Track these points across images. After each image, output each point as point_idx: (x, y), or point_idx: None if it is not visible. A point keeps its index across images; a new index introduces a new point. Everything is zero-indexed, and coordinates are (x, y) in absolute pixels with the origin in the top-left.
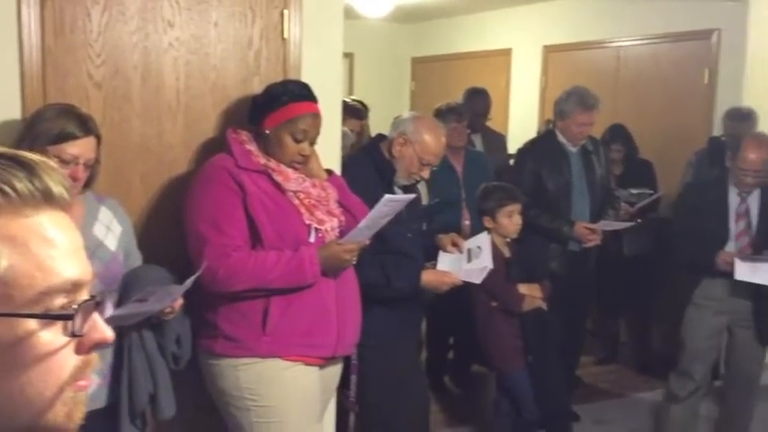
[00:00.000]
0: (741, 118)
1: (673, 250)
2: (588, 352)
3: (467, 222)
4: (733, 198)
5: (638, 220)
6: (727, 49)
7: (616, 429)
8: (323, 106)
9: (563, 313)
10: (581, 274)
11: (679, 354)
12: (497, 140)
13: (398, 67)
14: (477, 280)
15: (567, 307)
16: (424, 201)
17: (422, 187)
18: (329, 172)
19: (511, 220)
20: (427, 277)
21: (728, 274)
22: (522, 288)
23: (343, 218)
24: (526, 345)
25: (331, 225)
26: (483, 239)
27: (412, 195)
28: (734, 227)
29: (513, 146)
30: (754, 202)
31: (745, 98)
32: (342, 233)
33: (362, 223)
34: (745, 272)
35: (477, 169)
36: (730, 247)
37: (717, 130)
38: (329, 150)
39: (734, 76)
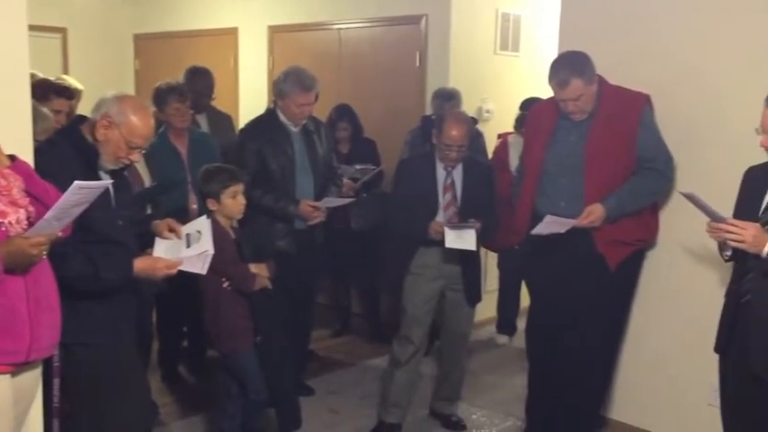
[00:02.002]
0: (447, 98)
1: (390, 223)
2: (323, 325)
3: (194, 206)
4: (440, 172)
5: (364, 195)
6: (435, 33)
7: (349, 397)
8: (4, 85)
9: (293, 290)
10: (309, 251)
11: (400, 320)
12: (223, 121)
13: (120, 45)
14: (202, 270)
15: (297, 284)
16: (147, 184)
17: (143, 171)
18: (12, 158)
19: (235, 200)
20: (139, 265)
21: (440, 243)
22: (252, 267)
23: (32, 208)
24: (255, 324)
25: (16, 217)
26: (202, 223)
27: (106, 182)
28: (442, 199)
29: None
30: (458, 175)
31: (451, 79)
32: (32, 225)
33: (50, 213)
34: (454, 239)
35: (202, 151)
36: (440, 217)
37: (428, 110)
38: (16, 134)
39: (441, 58)
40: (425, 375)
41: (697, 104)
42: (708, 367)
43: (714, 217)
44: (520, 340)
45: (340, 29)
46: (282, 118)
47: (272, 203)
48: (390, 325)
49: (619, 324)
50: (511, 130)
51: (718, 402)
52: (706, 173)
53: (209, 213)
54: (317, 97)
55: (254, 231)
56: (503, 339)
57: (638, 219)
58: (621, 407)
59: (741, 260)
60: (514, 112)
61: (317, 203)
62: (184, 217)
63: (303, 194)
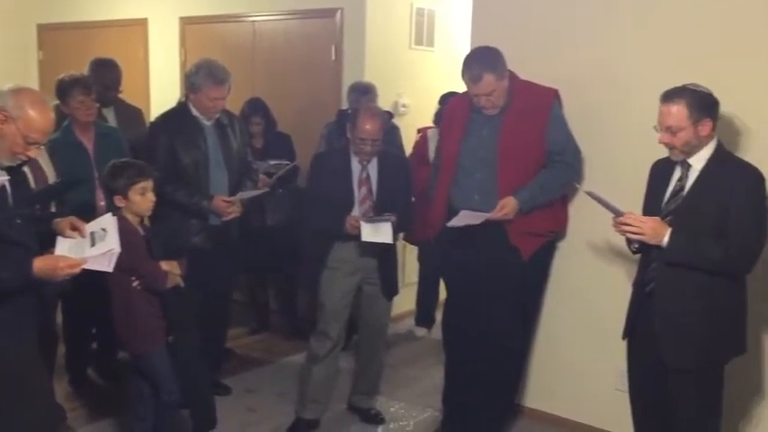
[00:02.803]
0: (363, 92)
1: (306, 218)
2: (241, 323)
3: (102, 203)
4: (355, 166)
5: (280, 191)
6: (350, 27)
7: (266, 395)
8: None
9: (208, 288)
10: (224, 248)
11: (317, 315)
12: (133, 114)
13: (23, 35)
14: (109, 268)
15: (212, 281)
16: (51, 181)
17: (47, 167)
18: None
19: (144, 197)
20: (39, 265)
21: (356, 237)
22: (163, 265)
23: None
24: (167, 323)
25: None
26: (107, 221)
27: (2, 179)
28: (357, 193)
29: None
30: (373, 169)
31: (367, 73)
32: None
33: None
34: (370, 233)
35: (110, 145)
36: (356, 211)
37: (345, 104)
38: None
39: (356, 52)
40: (344, 370)
41: (604, 100)
42: (616, 353)
43: (615, 212)
44: (438, 332)
45: (254, 21)
46: (195, 112)
47: (185, 199)
48: (309, 321)
49: (532, 314)
50: (430, 124)
51: (625, 387)
52: (613, 166)
53: (117, 210)
54: (229, 90)
55: (167, 228)
56: (421, 332)
57: (549, 211)
58: (535, 394)
59: (645, 251)
60: (430, 106)
61: (231, 198)
62: (91, 214)
63: (217, 190)
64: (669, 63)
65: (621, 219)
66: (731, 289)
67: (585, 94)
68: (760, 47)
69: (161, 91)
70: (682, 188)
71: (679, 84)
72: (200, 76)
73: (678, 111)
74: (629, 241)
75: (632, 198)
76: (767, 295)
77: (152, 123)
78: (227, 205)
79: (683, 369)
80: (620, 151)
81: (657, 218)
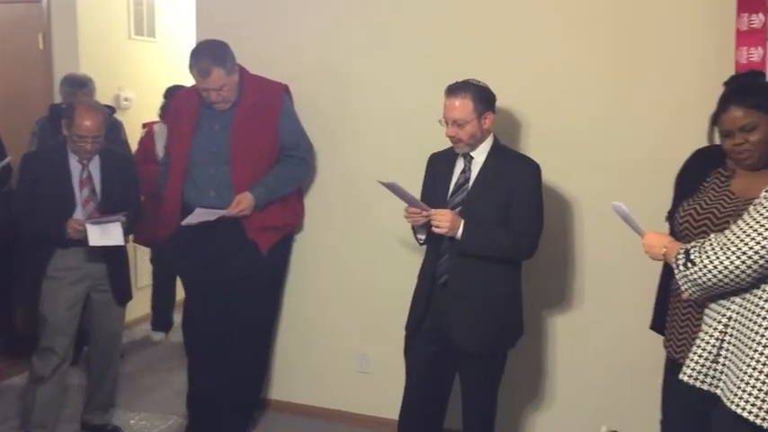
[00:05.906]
0: (78, 85)
1: (20, 224)
2: None
3: None
4: (74, 165)
5: None
6: (59, 14)
7: None
8: None
9: None
10: None
11: (40, 331)
12: None
13: None
14: None
15: None
16: None
17: None
18: None
19: None
20: None
21: (82, 242)
22: None
23: None
24: None
25: None
26: None
27: None
28: (79, 195)
29: None
30: (95, 168)
31: (82, 65)
32: None
33: None
34: (98, 236)
35: None
36: (78, 214)
37: (57, 98)
38: None
39: (68, 42)
40: (74, 386)
41: (332, 95)
42: (356, 338)
43: (413, 204)
44: (177, 335)
45: None
46: None
47: None
48: (30, 337)
49: (274, 306)
50: (155, 118)
51: (367, 369)
52: (344, 159)
53: None
54: None
55: None
56: (158, 336)
57: (285, 204)
58: (281, 386)
59: (435, 243)
60: (155, 99)
61: None
62: None
63: None
64: (393, 62)
65: (427, 213)
66: (512, 275)
67: (314, 90)
68: (509, 48)
69: None
70: (466, 180)
71: (409, 84)
72: None
73: (463, 104)
74: (416, 232)
75: (366, 194)
76: (536, 277)
77: None
78: None
79: (480, 355)
80: (348, 147)
81: (452, 210)
